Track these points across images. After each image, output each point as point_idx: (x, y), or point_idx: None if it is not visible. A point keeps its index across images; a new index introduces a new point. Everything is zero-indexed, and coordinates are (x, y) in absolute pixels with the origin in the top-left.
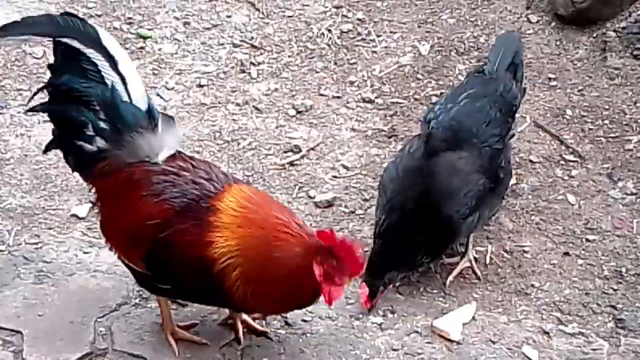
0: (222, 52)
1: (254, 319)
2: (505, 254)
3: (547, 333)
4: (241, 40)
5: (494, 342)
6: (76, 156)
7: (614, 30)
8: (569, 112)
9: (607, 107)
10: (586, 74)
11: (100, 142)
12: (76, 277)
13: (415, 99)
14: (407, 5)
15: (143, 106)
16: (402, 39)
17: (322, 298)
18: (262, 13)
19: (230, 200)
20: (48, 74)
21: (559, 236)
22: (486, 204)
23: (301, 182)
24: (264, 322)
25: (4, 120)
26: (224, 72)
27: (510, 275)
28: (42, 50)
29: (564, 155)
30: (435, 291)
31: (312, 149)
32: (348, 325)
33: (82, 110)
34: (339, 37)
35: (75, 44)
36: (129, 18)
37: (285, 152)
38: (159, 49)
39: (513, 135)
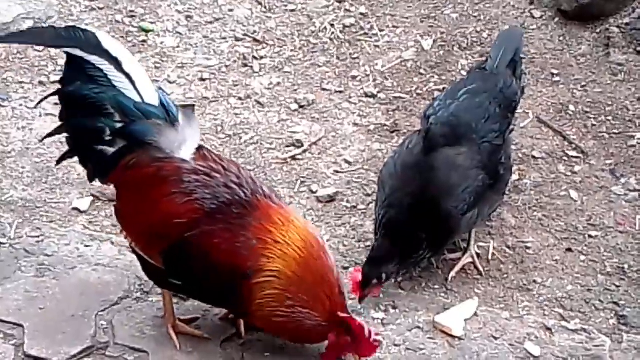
0: (224, 45)
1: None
2: (508, 250)
3: (549, 329)
4: (243, 34)
5: (496, 338)
6: (98, 160)
7: (617, 26)
8: (572, 107)
9: (610, 103)
10: (589, 69)
11: (122, 142)
12: (77, 271)
13: (418, 94)
14: (410, 0)
15: (155, 101)
16: (404, 33)
17: None
18: (265, 7)
19: (297, 238)
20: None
21: (562, 232)
22: (485, 200)
23: (303, 177)
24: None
25: (5, 113)
26: (226, 66)
27: (513, 271)
28: None
29: (566, 151)
30: (437, 287)
31: (314, 143)
32: None
33: (98, 117)
34: (341, 32)
35: (78, 52)
36: (131, 11)
37: (287, 146)
38: (161, 43)
39: (512, 130)
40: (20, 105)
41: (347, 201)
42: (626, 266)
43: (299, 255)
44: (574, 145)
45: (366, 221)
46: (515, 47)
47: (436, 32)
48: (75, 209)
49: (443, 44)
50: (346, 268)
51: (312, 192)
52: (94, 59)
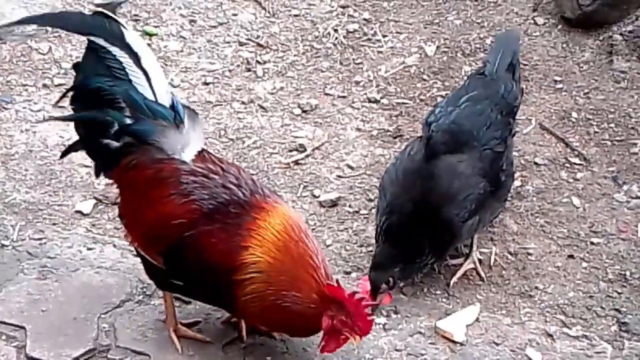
0: (227, 50)
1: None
2: (510, 256)
3: (550, 335)
4: (247, 39)
5: (497, 344)
6: (102, 154)
7: (621, 34)
8: (574, 114)
9: (612, 110)
10: (592, 77)
11: (127, 138)
12: (80, 273)
13: (421, 100)
14: (414, 5)
15: (167, 102)
16: (408, 39)
17: None
18: (269, 12)
19: (276, 222)
20: (55, 70)
21: (564, 239)
22: (487, 207)
23: (306, 182)
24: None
25: (9, 115)
26: (230, 71)
27: (514, 277)
28: (47, 46)
29: (569, 158)
30: (439, 292)
31: (317, 148)
32: None
33: (108, 110)
34: (345, 37)
35: (102, 42)
36: (135, 15)
37: (290, 151)
38: (165, 47)
39: (514, 135)
40: (24, 107)
41: (350, 206)
42: (628, 273)
43: (277, 239)
44: (576, 152)
45: (368, 226)
46: (513, 50)
47: (439, 38)
48: (78, 211)
49: (446, 50)
50: (348, 273)
51: (314, 196)
52: (115, 50)
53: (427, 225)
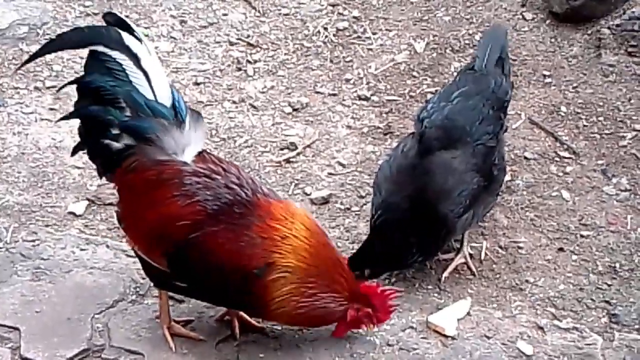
0: (218, 50)
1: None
2: (500, 250)
3: (541, 328)
4: (237, 39)
5: (488, 337)
6: (103, 155)
7: (608, 28)
8: (563, 109)
9: (601, 104)
10: (581, 71)
11: (127, 139)
12: (73, 274)
13: (411, 96)
14: (403, 3)
15: (168, 102)
16: (397, 36)
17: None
18: (258, 11)
19: (299, 224)
20: (46, 73)
21: (554, 232)
22: (480, 202)
23: (297, 179)
24: (260, 319)
25: (1, 118)
26: (220, 70)
27: (505, 271)
28: None
29: (558, 152)
30: (430, 287)
31: (308, 146)
32: None
33: (109, 109)
34: (334, 35)
35: (101, 48)
36: (126, 16)
37: (281, 149)
38: (156, 47)
39: (506, 130)
40: (16, 110)
41: (341, 203)
42: (617, 265)
43: (308, 246)
44: (565, 146)
45: (360, 223)
46: (501, 44)
47: (429, 34)
48: (70, 213)
49: (436, 46)
50: None
51: (306, 194)
52: (115, 54)
53: (422, 221)
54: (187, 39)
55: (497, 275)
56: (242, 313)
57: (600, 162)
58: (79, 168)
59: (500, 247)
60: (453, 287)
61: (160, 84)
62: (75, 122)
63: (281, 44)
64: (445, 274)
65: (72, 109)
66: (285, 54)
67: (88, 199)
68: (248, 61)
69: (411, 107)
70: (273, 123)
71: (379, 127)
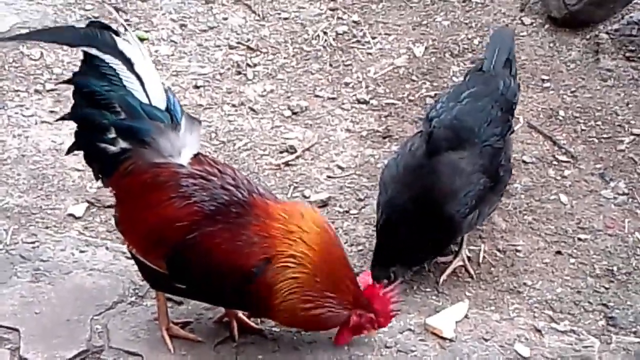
0: (218, 53)
1: (248, 317)
2: (498, 253)
3: (539, 331)
4: (237, 42)
5: (486, 340)
6: (100, 159)
7: (607, 32)
8: (562, 113)
9: (599, 108)
10: (579, 75)
11: (123, 143)
12: (73, 276)
13: (410, 100)
14: (402, 7)
15: (162, 105)
16: (396, 41)
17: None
18: (258, 15)
19: (308, 221)
20: (47, 76)
21: (552, 235)
22: (486, 202)
23: (296, 182)
24: (258, 320)
25: (1, 121)
26: (220, 74)
27: (503, 274)
28: (39, 52)
29: (556, 156)
30: (428, 289)
31: (307, 149)
32: None
33: (104, 113)
34: (334, 39)
35: (94, 51)
36: (126, 20)
37: (280, 152)
38: (156, 51)
39: (513, 131)
40: (16, 113)
41: (340, 206)
42: (615, 268)
43: (312, 243)
44: (563, 150)
45: (358, 225)
46: (509, 46)
47: (428, 39)
48: (70, 215)
49: (435, 51)
50: None
51: (305, 197)
52: (108, 58)
53: (428, 221)
54: (187, 42)
55: (495, 278)
56: (240, 315)
57: (598, 166)
58: (78, 170)
59: (498, 250)
60: (451, 289)
61: (154, 87)
62: (75, 125)
63: (281, 48)
64: (444, 277)
65: None
66: (284, 57)
67: (88, 201)
68: (248, 65)
69: (410, 111)
70: (272, 126)
71: (378, 131)
